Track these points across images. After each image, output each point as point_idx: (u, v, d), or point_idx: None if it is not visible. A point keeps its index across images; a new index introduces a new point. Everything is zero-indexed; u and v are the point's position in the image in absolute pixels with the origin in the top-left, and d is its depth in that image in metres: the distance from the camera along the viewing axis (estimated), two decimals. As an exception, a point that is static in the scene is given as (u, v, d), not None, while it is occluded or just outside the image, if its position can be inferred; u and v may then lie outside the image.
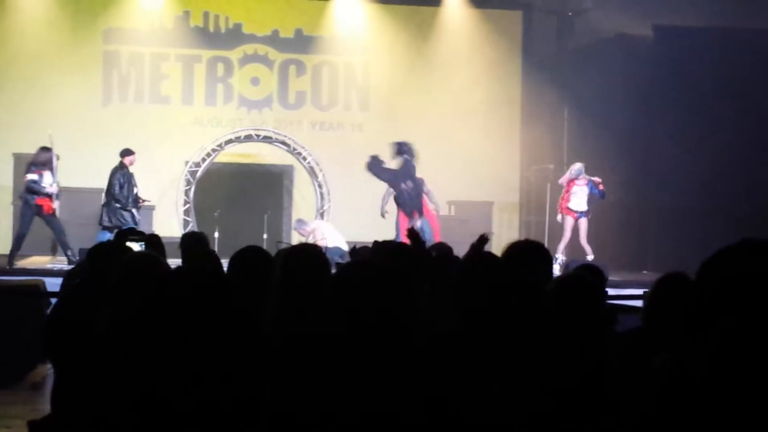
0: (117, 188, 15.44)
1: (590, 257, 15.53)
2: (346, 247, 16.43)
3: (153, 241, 6.23)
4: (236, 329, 3.73)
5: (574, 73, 19.63)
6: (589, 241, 16.14)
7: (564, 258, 15.69)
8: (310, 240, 16.58)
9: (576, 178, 16.15)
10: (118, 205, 15.41)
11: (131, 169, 15.72)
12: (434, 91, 20.47)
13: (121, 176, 15.52)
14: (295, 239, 17.46)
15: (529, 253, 4.25)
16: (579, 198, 16.11)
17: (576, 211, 16.11)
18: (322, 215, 18.69)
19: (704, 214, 16.74)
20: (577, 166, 16.28)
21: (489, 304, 3.65)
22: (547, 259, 4.26)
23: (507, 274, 3.91)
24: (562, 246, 16.05)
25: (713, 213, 16.67)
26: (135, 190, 15.65)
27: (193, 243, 6.56)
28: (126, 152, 15.79)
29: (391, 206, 16.48)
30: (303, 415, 3.45)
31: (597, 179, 16.14)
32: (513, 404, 3.17)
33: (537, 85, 20.44)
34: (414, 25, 20.54)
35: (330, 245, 16.07)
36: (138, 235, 6.24)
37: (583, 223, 16.09)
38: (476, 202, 19.56)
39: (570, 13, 20.43)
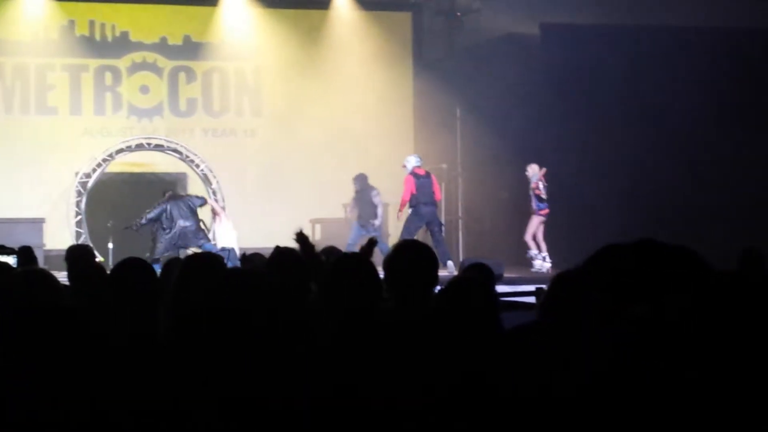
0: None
1: (534, 252, 16.43)
2: (235, 246, 16.63)
3: (25, 253, 6.13)
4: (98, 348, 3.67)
5: (465, 73, 19.77)
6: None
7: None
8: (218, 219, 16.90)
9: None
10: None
11: None
12: (327, 94, 20.44)
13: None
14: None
15: (412, 254, 4.25)
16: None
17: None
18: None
19: (598, 210, 16.97)
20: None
21: (352, 305, 3.65)
22: (431, 259, 4.26)
23: (374, 275, 3.90)
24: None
25: (606, 210, 16.91)
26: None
27: (78, 256, 6.46)
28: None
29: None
30: (203, 418, 3.43)
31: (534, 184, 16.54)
32: (395, 403, 3.17)
33: (428, 85, 20.53)
34: (303, 28, 20.49)
35: (219, 244, 16.33)
36: (8, 249, 6.14)
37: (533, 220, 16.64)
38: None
39: (459, 14, 20.56)
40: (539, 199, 16.41)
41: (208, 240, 16.68)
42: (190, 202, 16.69)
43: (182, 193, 17.38)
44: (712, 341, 1.75)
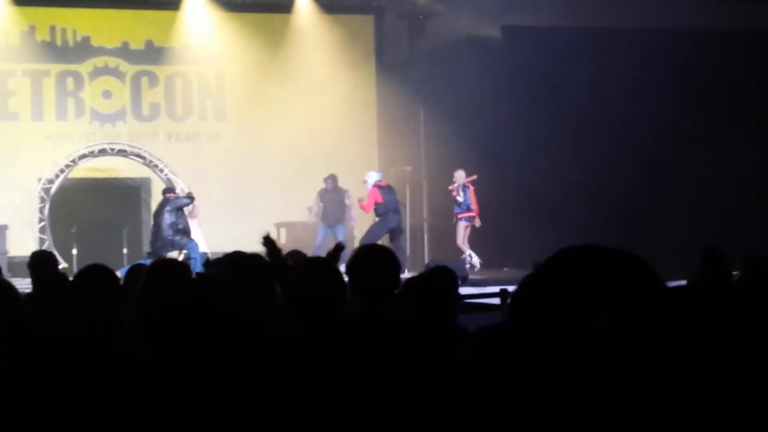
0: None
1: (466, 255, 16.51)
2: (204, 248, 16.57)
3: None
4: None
5: (428, 76, 19.82)
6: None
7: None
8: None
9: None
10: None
11: None
12: (290, 97, 20.41)
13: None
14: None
15: (374, 258, 4.28)
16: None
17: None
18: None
19: (560, 211, 17.07)
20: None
21: (317, 308, 3.68)
22: (393, 262, 4.29)
23: (339, 279, 3.93)
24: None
25: (569, 210, 17.01)
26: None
27: (40, 262, 6.44)
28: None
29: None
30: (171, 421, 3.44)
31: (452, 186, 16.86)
32: (359, 404, 3.19)
33: (392, 88, 20.56)
34: (266, 32, 20.46)
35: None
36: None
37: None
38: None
39: (421, 16, 20.60)
40: (456, 203, 16.72)
41: (189, 240, 16.25)
42: (168, 205, 16.28)
43: (168, 195, 16.81)
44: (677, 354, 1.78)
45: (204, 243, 16.88)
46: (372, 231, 16.27)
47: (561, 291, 1.82)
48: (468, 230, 16.82)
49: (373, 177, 16.63)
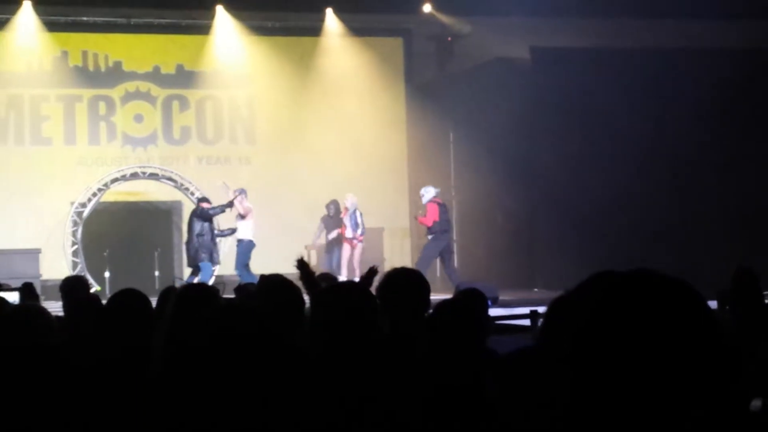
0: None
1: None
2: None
3: (26, 290, 6.16)
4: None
5: (457, 97, 19.84)
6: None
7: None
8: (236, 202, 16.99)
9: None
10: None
11: None
12: (320, 120, 20.49)
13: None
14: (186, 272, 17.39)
15: (404, 281, 4.30)
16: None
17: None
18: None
19: (590, 232, 17.02)
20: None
21: (339, 332, 3.68)
22: (423, 285, 4.31)
23: (358, 301, 3.92)
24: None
25: (599, 231, 16.97)
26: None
27: (71, 287, 6.48)
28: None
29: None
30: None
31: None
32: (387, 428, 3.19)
33: (421, 110, 20.61)
34: (296, 55, 20.56)
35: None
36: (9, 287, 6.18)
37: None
38: (367, 228, 19.53)
39: (449, 38, 20.65)
40: (353, 227, 17.71)
41: (204, 260, 16.55)
42: (196, 215, 16.79)
43: (200, 204, 17.20)
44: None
45: (251, 233, 16.97)
46: (426, 252, 16.26)
47: (602, 323, 1.80)
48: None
49: (430, 192, 16.53)
